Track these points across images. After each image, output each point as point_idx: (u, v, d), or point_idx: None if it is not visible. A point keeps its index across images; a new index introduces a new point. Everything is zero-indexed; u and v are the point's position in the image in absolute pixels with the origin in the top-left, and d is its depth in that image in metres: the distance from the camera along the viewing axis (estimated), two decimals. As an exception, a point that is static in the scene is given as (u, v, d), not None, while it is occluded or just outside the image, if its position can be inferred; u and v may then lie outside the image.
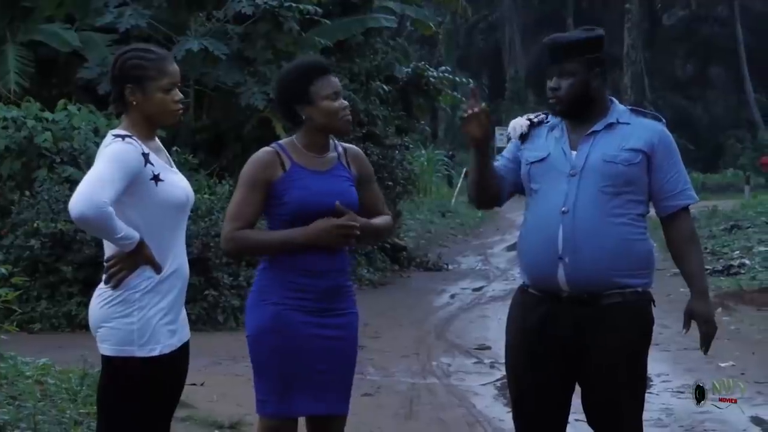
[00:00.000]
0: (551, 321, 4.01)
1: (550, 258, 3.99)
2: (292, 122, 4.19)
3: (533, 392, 4.07)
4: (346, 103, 4.15)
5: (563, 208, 3.99)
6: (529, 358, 4.06)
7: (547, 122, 4.18)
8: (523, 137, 4.20)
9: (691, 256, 4.09)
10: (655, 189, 4.07)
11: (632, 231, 3.99)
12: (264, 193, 4.08)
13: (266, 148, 4.18)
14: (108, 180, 3.53)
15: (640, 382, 4.09)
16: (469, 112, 4.05)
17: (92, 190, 3.49)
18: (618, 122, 4.08)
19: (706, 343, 4.05)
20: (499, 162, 4.26)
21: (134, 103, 3.74)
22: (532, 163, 4.13)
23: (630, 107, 4.20)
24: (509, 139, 4.29)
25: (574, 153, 4.06)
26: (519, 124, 4.23)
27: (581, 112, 4.07)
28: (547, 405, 4.08)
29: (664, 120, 4.16)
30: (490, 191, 4.21)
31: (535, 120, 4.21)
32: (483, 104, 4.10)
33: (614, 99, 4.20)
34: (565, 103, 4.06)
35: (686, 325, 4.08)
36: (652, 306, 4.10)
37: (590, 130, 4.06)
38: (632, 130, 4.06)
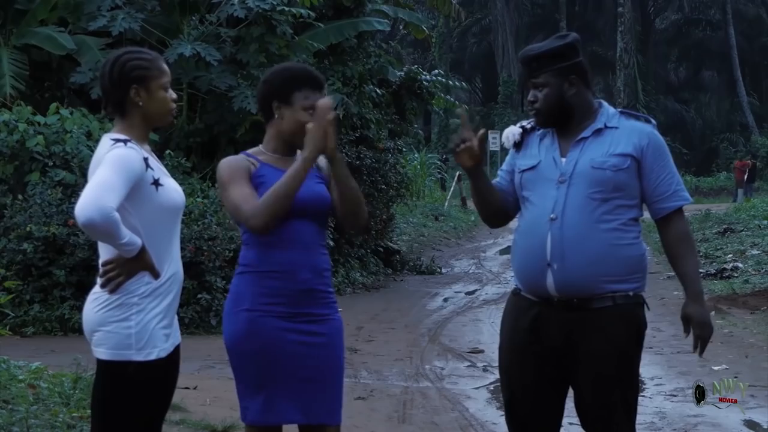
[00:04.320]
0: (543, 324, 4.02)
1: (539, 264, 3.99)
2: (265, 116, 4.11)
3: (525, 394, 4.07)
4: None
5: (552, 215, 3.98)
6: (521, 360, 4.06)
7: (539, 129, 4.18)
8: (518, 145, 4.21)
9: (685, 258, 4.06)
10: (647, 192, 4.05)
11: (621, 236, 3.97)
12: (249, 182, 4.00)
13: (233, 156, 4.11)
14: (113, 186, 3.52)
15: (631, 386, 4.06)
16: (461, 146, 4.05)
17: (99, 196, 3.48)
18: (606, 127, 4.06)
19: (701, 346, 4.04)
20: (499, 178, 4.28)
21: (140, 103, 3.73)
22: (523, 171, 4.13)
23: (620, 110, 4.18)
24: (503, 145, 4.29)
25: (563, 160, 4.05)
26: (512, 132, 4.23)
27: (562, 121, 4.07)
28: (540, 407, 4.08)
29: (654, 122, 4.14)
30: (495, 208, 4.23)
31: (528, 127, 4.21)
32: (474, 125, 4.08)
33: (603, 102, 4.17)
34: (542, 114, 4.06)
35: (686, 330, 4.05)
36: (645, 310, 4.09)
37: (579, 137, 4.06)
38: (621, 135, 4.04)
